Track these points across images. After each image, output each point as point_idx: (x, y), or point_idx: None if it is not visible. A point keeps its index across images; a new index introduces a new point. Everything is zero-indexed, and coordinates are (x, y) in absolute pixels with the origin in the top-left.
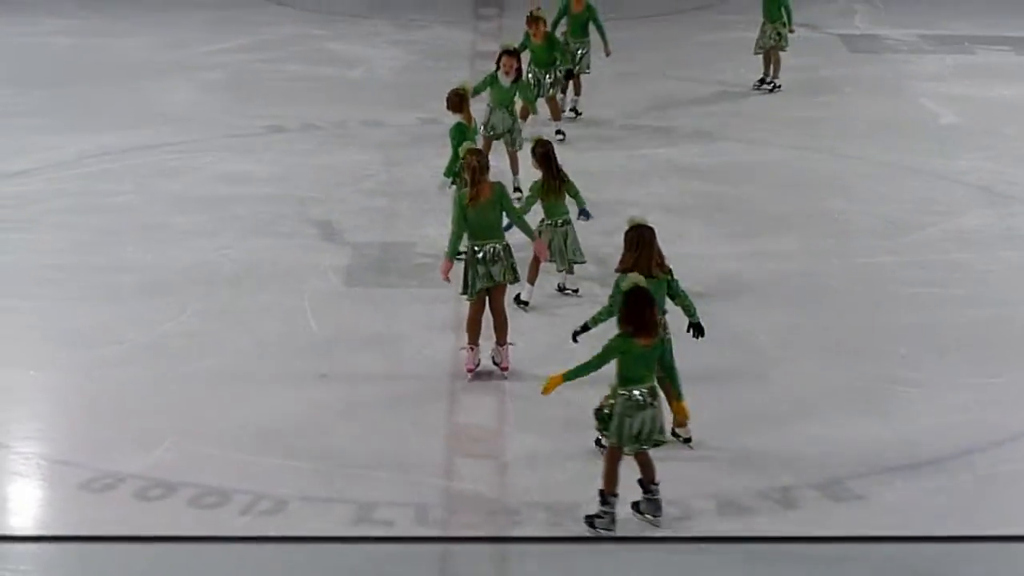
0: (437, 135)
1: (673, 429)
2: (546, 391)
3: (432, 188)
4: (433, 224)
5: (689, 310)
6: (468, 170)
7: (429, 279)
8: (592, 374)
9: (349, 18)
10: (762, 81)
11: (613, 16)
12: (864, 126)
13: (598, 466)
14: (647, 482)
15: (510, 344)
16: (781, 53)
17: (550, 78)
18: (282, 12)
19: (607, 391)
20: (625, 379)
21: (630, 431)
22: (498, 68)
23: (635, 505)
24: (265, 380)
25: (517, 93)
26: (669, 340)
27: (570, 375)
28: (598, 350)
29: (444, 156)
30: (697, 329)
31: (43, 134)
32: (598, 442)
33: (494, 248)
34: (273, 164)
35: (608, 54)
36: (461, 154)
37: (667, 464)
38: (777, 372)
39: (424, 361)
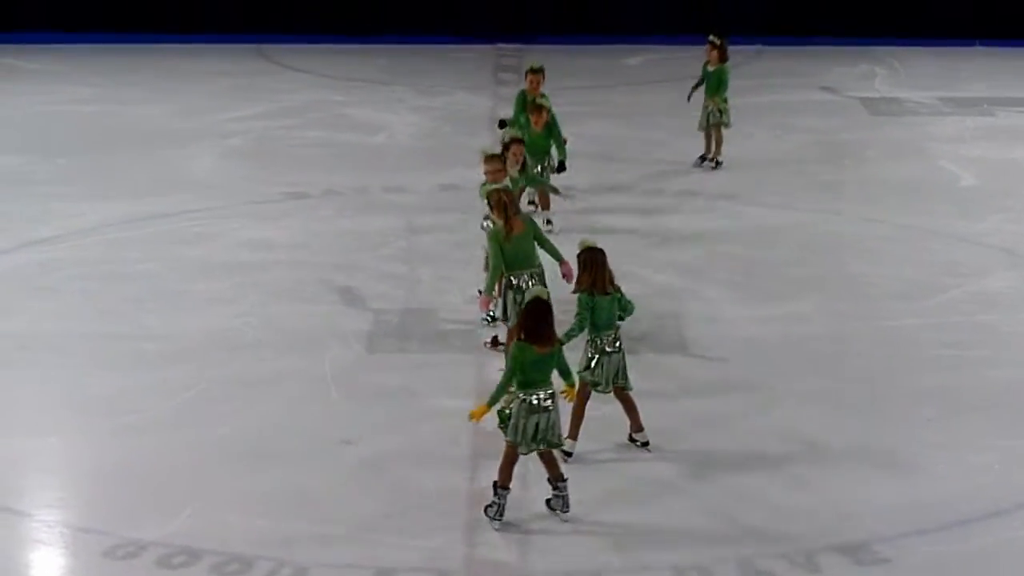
0: (458, 201)
1: (631, 435)
2: (474, 418)
3: (453, 253)
4: (454, 291)
5: (630, 313)
6: (499, 206)
7: (450, 345)
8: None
9: (369, 84)
10: (703, 158)
11: (626, 82)
12: (885, 188)
13: (622, 534)
14: (554, 480)
15: None
16: (724, 130)
17: (541, 168)
18: (301, 78)
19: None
20: (523, 383)
21: (525, 432)
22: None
23: (547, 501)
24: (286, 447)
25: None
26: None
27: (492, 400)
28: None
29: (464, 221)
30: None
31: (65, 201)
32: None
33: (530, 274)
34: (294, 230)
35: (558, 170)
36: (485, 195)
37: (689, 526)
38: (802, 435)
39: (446, 427)
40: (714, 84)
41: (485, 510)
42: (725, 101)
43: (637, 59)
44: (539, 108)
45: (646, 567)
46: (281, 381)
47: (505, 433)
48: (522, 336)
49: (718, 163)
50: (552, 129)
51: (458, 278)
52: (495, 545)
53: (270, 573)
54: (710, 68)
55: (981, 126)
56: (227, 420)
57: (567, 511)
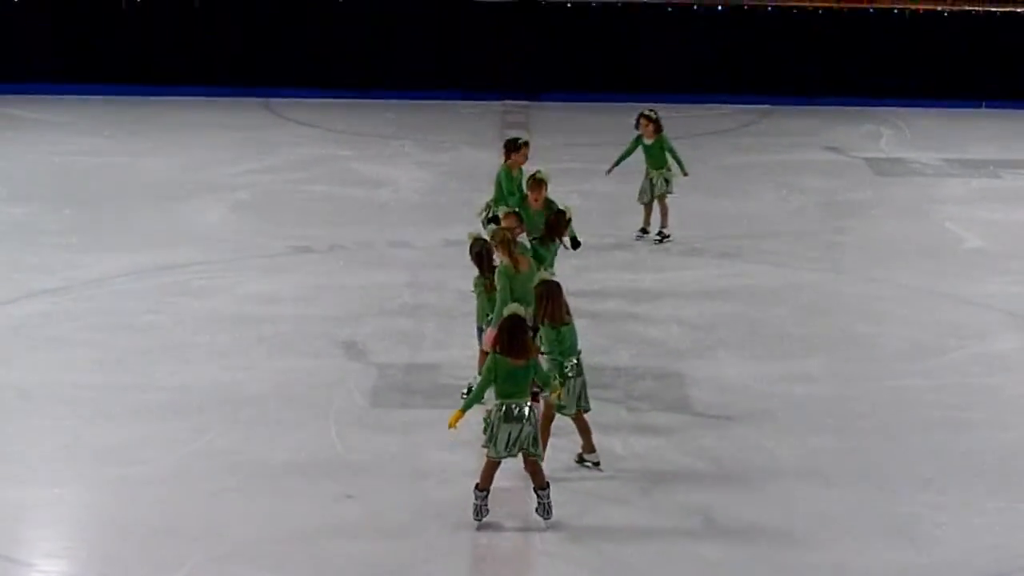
0: (463, 256)
1: (581, 455)
2: (452, 424)
3: (458, 308)
4: (458, 345)
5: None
6: (504, 245)
7: (455, 400)
8: None
9: (375, 139)
10: (644, 231)
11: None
12: (890, 249)
13: None
14: (537, 488)
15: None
16: (668, 197)
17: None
18: (307, 132)
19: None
20: (500, 393)
21: (498, 440)
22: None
23: (536, 509)
24: (290, 501)
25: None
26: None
27: (467, 405)
28: None
29: (469, 277)
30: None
31: (70, 252)
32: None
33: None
34: (299, 285)
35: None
36: (490, 236)
37: None
38: (803, 496)
39: (450, 481)
40: (656, 156)
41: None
42: (669, 170)
43: None
44: (540, 183)
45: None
46: (285, 434)
47: (485, 445)
48: (497, 349)
49: (665, 236)
50: (551, 207)
51: (462, 333)
52: None
53: None
54: (647, 141)
55: (987, 188)
56: (230, 473)
57: (548, 517)
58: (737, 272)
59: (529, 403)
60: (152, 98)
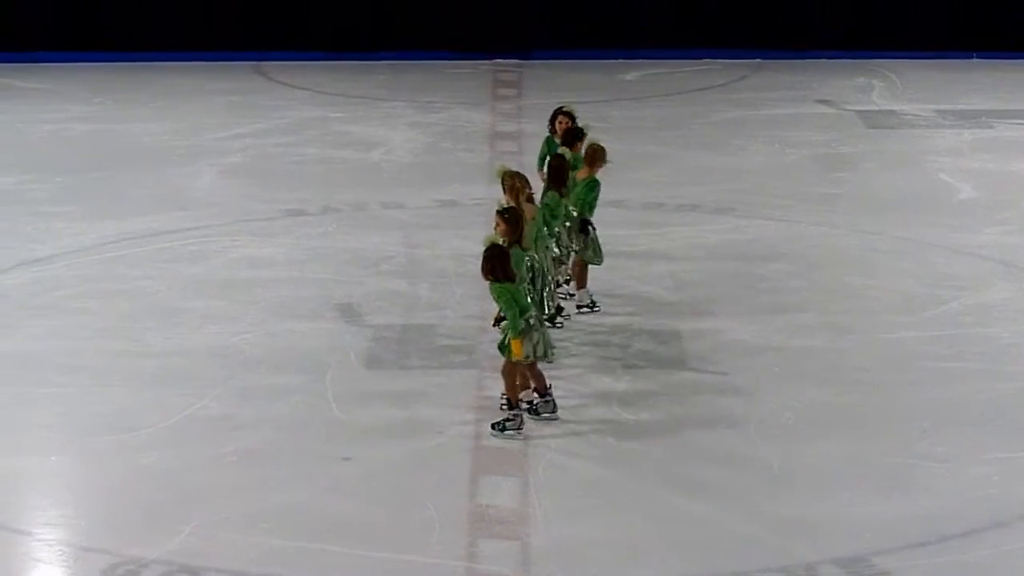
0: (457, 217)
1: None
2: (515, 354)
3: (452, 269)
4: (453, 306)
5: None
6: (512, 191)
7: (450, 361)
8: None
9: (367, 100)
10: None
11: (624, 97)
12: (883, 201)
13: (620, 546)
14: (541, 391)
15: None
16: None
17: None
18: (299, 95)
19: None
20: (520, 311)
21: (540, 344)
22: None
23: (533, 409)
24: (286, 464)
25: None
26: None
27: (516, 333)
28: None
29: (463, 237)
30: None
31: (63, 220)
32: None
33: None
34: (293, 248)
35: None
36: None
37: (687, 540)
38: (800, 447)
39: (446, 443)
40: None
41: (503, 426)
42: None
43: (634, 74)
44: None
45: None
46: (280, 398)
47: (507, 355)
48: (497, 278)
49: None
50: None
51: (457, 294)
52: (497, 560)
53: None
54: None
55: (979, 138)
56: (227, 438)
57: (555, 413)
58: (731, 227)
59: (534, 312)
60: (143, 64)
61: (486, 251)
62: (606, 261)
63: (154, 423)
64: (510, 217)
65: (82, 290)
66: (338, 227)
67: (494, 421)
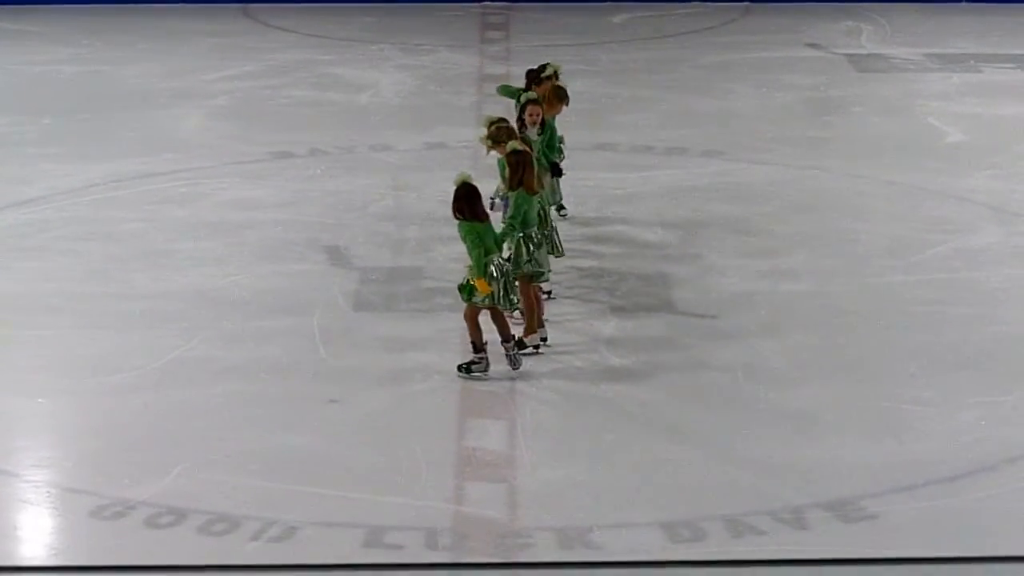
0: (444, 159)
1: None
2: (481, 290)
3: (439, 211)
4: (441, 248)
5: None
6: (517, 168)
7: (438, 304)
8: None
9: (355, 43)
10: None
11: (612, 40)
12: (872, 145)
13: (609, 490)
14: (502, 341)
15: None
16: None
17: None
18: (286, 38)
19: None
20: (485, 252)
21: (501, 292)
22: None
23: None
24: (274, 406)
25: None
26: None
27: (478, 271)
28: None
29: (451, 179)
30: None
31: (51, 162)
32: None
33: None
34: (281, 190)
35: None
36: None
37: (675, 483)
38: (787, 391)
39: (433, 385)
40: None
41: (467, 368)
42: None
43: (621, 16)
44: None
45: (634, 524)
46: (268, 340)
47: (473, 301)
48: (465, 217)
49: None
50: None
51: (444, 236)
52: (484, 502)
53: (258, 532)
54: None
55: (968, 83)
56: (215, 379)
57: (517, 367)
58: (720, 171)
59: (498, 258)
60: (130, 6)
61: (457, 189)
62: (594, 204)
63: (141, 365)
64: (516, 160)
65: (70, 232)
66: (326, 169)
67: (460, 363)
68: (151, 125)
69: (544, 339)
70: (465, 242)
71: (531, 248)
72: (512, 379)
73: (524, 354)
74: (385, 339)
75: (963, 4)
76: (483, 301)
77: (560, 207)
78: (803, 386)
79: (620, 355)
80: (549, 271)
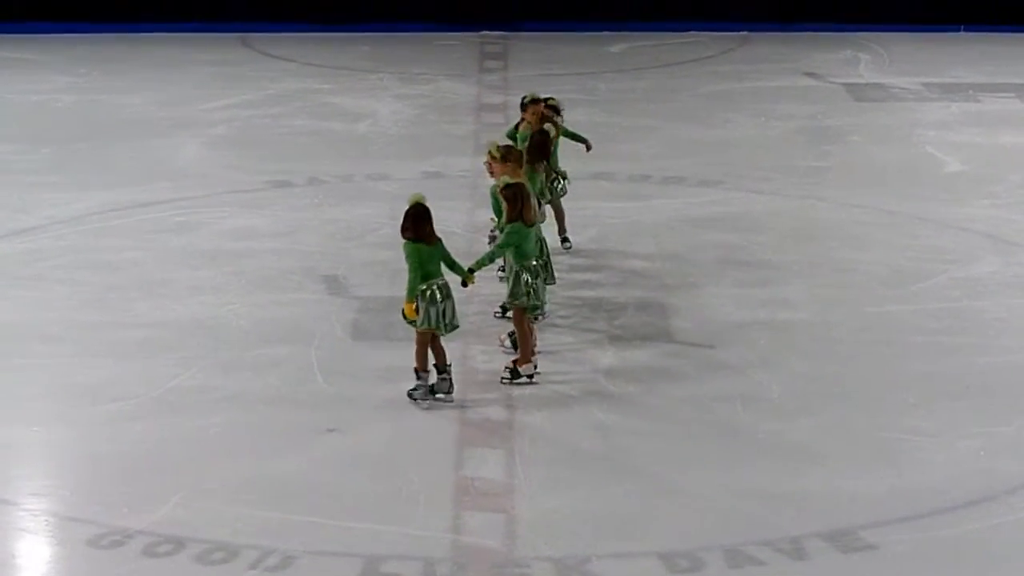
0: (443, 188)
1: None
2: (409, 315)
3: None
4: None
5: (455, 267)
6: (513, 201)
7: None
8: None
9: (353, 72)
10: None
11: (610, 69)
12: (870, 174)
13: (607, 520)
14: (441, 367)
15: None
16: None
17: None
18: (285, 67)
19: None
20: (423, 277)
21: (442, 316)
22: None
23: (431, 388)
24: (272, 435)
25: None
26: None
27: (410, 296)
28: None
29: (448, 208)
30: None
31: (48, 191)
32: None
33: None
34: (279, 219)
35: None
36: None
37: (674, 513)
38: (786, 421)
39: (431, 414)
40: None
41: (410, 394)
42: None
43: (620, 46)
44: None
45: (632, 553)
46: (266, 369)
47: (414, 325)
48: (410, 237)
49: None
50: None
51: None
52: (482, 532)
53: (256, 561)
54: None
55: (967, 112)
56: (213, 408)
57: (451, 392)
58: (718, 200)
59: (445, 280)
60: (128, 35)
61: (407, 209)
62: (592, 233)
63: (139, 394)
64: (511, 194)
65: (68, 260)
66: (324, 198)
67: (409, 388)
68: (150, 154)
69: (535, 367)
70: (407, 261)
71: (530, 280)
72: (508, 408)
73: (519, 383)
74: (383, 368)
75: (962, 33)
76: (421, 325)
77: (564, 239)
78: (801, 416)
79: (618, 384)
80: (547, 303)
